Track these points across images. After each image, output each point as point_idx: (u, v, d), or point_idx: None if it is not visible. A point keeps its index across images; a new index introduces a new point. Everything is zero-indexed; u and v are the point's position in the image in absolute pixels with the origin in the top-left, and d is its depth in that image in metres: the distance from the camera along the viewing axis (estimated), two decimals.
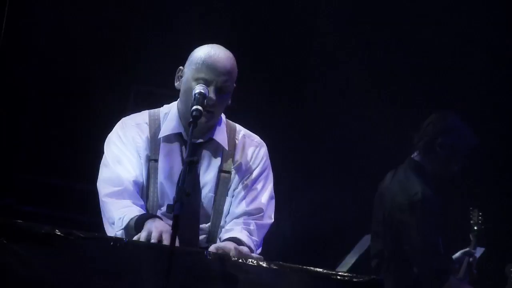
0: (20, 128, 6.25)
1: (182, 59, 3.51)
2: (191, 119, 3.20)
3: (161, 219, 3.32)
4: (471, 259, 5.03)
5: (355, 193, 6.24)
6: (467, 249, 5.05)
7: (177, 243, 2.93)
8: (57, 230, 2.91)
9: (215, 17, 5.81)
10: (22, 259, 2.87)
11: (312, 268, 2.96)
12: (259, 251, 3.46)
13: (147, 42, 6.13)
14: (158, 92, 3.66)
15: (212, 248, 3.23)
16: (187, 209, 3.23)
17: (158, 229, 3.18)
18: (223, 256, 3.07)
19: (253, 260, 3.01)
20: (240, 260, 3.01)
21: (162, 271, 2.79)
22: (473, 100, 6.08)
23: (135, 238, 3.21)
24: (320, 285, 2.93)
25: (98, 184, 3.46)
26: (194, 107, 3.24)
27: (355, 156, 6.36)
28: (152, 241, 3.11)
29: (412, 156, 4.94)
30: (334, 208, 6.32)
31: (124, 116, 3.58)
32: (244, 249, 3.24)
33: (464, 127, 4.89)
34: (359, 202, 6.18)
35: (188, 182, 3.09)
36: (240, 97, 3.65)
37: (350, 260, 5.10)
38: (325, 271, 2.95)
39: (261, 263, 2.98)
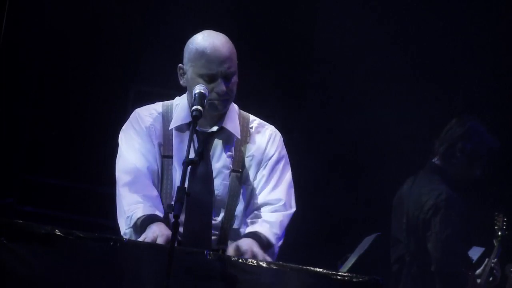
0: (20, 128, 6.25)
1: (182, 59, 3.50)
2: (190, 119, 3.22)
3: (165, 222, 3.32)
4: (493, 263, 5.00)
5: (357, 193, 6.24)
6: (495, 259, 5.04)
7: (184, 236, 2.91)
8: (57, 230, 2.91)
9: (216, 16, 5.81)
10: (22, 259, 2.87)
11: (312, 268, 2.96)
12: (280, 243, 3.44)
13: (147, 42, 6.13)
14: (158, 92, 3.66)
15: (231, 248, 3.23)
16: (201, 199, 3.31)
17: (154, 234, 3.18)
18: (223, 256, 3.08)
19: (253, 260, 3.01)
20: (240, 260, 3.00)
21: (162, 271, 2.79)
22: (496, 104, 6.08)
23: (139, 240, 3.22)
24: (320, 285, 2.93)
25: (116, 174, 3.46)
26: (194, 107, 3.24)
27: (357, 156, 6.35)
28: None
29: (433, 160, 4.96)
30: (335, 208, 6.31)
31: (123, 117, 3.59)
32: (259, 255, 3.21)
33: (484, 132, 4.93)
34: (361, 202, 6.19)
35: (200, 176, 3.09)
36: (244, 96, 3.65)
37: (350, 260, 5.09)
38: (325, 271, 2.94)
39: (261, 263, 2.98)
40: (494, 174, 5.15)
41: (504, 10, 6.13)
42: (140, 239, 3.20)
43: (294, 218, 3.53)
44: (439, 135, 5.03)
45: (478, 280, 4.95)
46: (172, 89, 3.56)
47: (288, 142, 3.63)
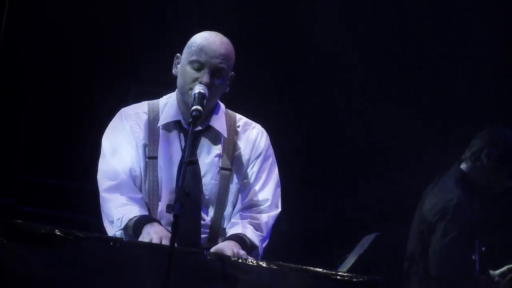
0: (20, 127, 6.25)
1: None
2: (190, 119, 3.22)
3: (159, 222, 3.33)
4: None
5: (357, 193, 6.23)
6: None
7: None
8: (56, 230, 2.91)
9: (216, 16, 5.81)
10: (22, 258, 2.87)
11: (311, 268, 2.96)
12: (265, 244, 3.45)
13: (147, 42, 6.12)
14: (158, 91, 3.67)
15: (212, 250, 3.22)
16: (189, 199, 3.22)
17: (158, 235, 3.19)
18: (223, 256, 3.08)
19: (253, 260, 3.02)
20: (240, 260, 3.01)
21: (161, 271, 2.79)
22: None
23: (144, 237, 3.21)
24: (320, 285, 2.94)
25: (97, 177, 3.47)
26: (194, 107, 3.24)
27: (356, 155, 6.35)
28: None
29: (460, 166, 4.96)
30: (335, 207, 6.31)
31: None
32: (241, 252, 3.22)
33: None
34: (361, 202, 6.18)
35: (187, 175, 3.10)
36: (242, 93, 3.64)
37: (350, 260, 5.09)
38: (324, 271, 2.95)
39: (261, 263, 2.98)
40: None
41: (505, 10, 6.13)
42: (146, 237, 3.19)
43: (294, 218, 3.54)
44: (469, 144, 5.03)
45: (496, 278, 4.94)
46: (173, 90, 3.55)
47: (287, 141, 3.63)
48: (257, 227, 3.41)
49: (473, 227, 4.81)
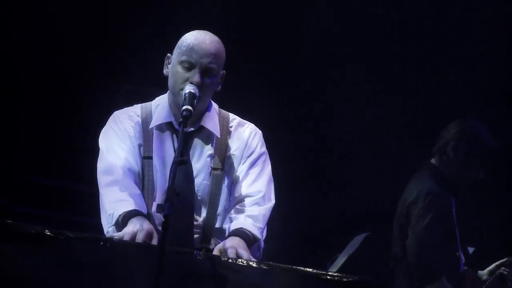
0: (15, 128, 6.26)
1: None
2: (181, 119, 3.21)
3: (146, 217, 3.32)
4: (505, 271, 4.96)
5: (348, 193, 6.23)
6: (500, 261, 5.00)
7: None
8: (47, 230, 2.90)
9: (207, 16, 5.81)
10: (12, 259, 2.86)
11: (302, 268, 2.96)
12: (264, 236, 3.44)
13: (137, 42, 6.13)
14: (148, 91, 3.69)
15: (216, 249, 3.22)
16: (182, 199, 3.21)
17: (134, 228, 3.17)
18: (213, 256, 3.08)
19: (243, 260, 3.01)
20: (230, 260, 3.01)
21: (152, 271, 2.78)
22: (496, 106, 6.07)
23: (119, 234, 3.19)
24: (310, 285, 2.93)
25: (97, 176, 3.46)
26: (184, 107, 3.24)
27: (349, 156, 6.36)
28: (137, 240, 3.13)
29: (430, 160, 4.96)
30: (325, 208, 6.31)
31: None
32: (244, 256, 3.19)
33: (482, 133, 4.88)
34: (352, 202, 6.19)
35: (180, 175, 3.10)
36: (236, 91, 3.65)
37: (340, 260, 5.10)
38: (314, 271, 2.95)
39: (251, 263, 2.98)
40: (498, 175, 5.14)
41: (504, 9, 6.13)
42: (120, 233, 3.18)
43: (285, 217, 3.54)
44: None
45: (485, 277, 4.93)
46: (161, 88, 3.56)
47: (283, 141, 3.63)
48: (255, 220, 3.40)
49: (449, 218, 4.77)
